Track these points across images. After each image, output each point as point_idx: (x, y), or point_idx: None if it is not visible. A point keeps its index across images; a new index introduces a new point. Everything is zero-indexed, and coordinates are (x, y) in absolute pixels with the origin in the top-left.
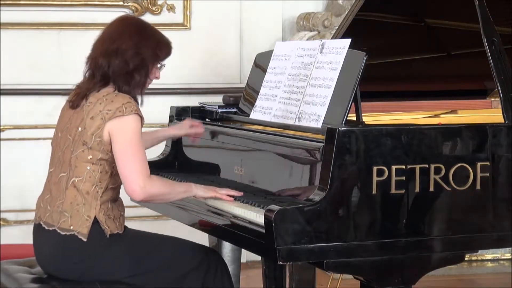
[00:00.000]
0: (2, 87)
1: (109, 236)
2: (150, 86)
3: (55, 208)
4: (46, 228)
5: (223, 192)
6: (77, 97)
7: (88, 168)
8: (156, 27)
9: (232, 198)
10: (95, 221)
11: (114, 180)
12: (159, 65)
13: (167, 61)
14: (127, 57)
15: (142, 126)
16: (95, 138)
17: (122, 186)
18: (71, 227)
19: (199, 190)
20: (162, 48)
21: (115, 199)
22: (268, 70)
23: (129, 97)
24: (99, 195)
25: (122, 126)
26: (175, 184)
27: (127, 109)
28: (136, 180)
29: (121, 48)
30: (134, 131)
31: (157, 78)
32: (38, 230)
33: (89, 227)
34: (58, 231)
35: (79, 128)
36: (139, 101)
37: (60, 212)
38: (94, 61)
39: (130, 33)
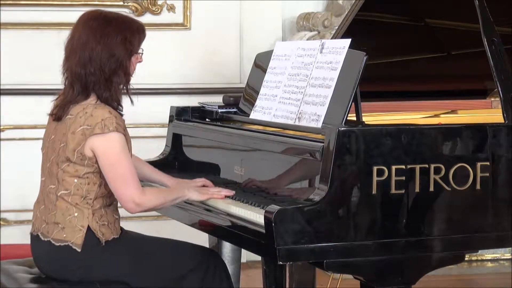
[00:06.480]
0: (2, 87)
1: (104, 243)
2: (150, 86)
3: (49, 220)
4: (42, 238)
5: (215, 190)
6: (59, 109)
7: (75, 181)
8: (156, 27)
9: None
10: (89, 230)
11: (103, 189)
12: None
13: (167, 61)
14: (102, 63)
15: (126, 138)
16: (77, 154)
17: None
18: (65, 237)
19: (193, 194)
20: (132, 39)
21: (110, 204)
22: (268, 70)
23: (109, 110)
24: (89, 205)
25: (104, 146)
26: (167, 192)
27: (106, 126)
28: (130, 200)
29: (92, 55)
30: (117, 150)
31: (139, 62)
32: (36, 240)
33: (82, 237)
34: (53, 242)
35: (62, 143)
36: (130, 101)
37: (53, 224)
38: (70, 70)
39: (95, 36)
